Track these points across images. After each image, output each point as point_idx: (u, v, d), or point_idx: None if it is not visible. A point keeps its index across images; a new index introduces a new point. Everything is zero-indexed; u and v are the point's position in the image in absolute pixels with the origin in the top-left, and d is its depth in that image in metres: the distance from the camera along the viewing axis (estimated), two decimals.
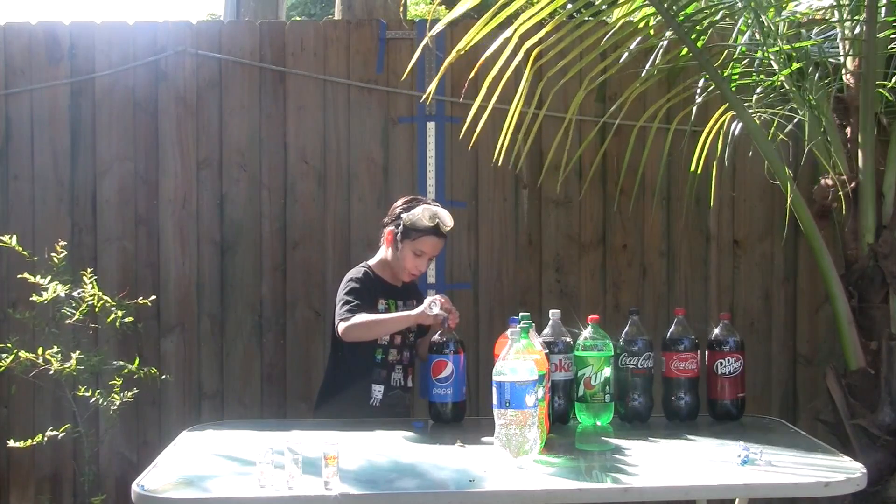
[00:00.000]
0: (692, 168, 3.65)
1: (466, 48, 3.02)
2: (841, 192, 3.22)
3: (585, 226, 4.19)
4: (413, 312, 2.98)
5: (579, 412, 2.64)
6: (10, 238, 3.67)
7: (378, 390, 3.16)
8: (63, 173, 4.13)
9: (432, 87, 3.28)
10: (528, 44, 3.08)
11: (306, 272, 4.16)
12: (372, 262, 3.31)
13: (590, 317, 2.68)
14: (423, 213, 3.18)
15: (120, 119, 4.15)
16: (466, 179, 4.18)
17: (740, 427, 2.80)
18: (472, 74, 3.20)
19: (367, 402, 3.16)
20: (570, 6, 3.26)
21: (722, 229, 4.19)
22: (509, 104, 3.22)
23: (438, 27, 3.30)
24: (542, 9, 3.04)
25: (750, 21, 3.23)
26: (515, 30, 3.01)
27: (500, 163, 3.38)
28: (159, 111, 4.16)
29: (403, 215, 3.21)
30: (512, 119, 3.22)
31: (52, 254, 3.67)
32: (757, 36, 3.32)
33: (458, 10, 3.05)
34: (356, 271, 3.27)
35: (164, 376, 3.84)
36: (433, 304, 2.90)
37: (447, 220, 3.20)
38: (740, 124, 3.44)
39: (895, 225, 3.22)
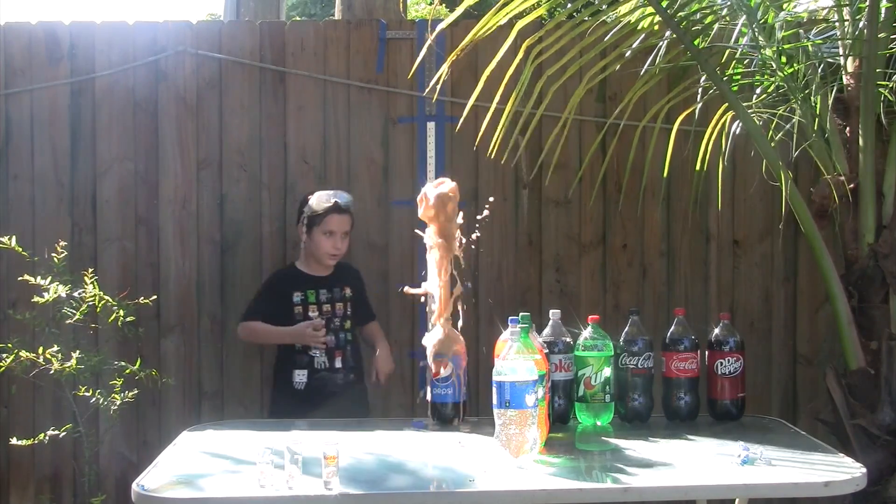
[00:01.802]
0: (696, 168, 3.66)
1: (466, 46, 3.03)
2: (836, 193, 3.22)
3: (585, 226, 4.19)
4: (289, 331, 3.50)
5: (579, 412, 2.64)
6: (10, 239, 3.66)
7: (301, 374, 3.51)
8: (63, 173, 4.13)
9: (435, 83, 3.28)
10: (528, 42, 3.08)
11: None
12: (298, 258, 3.72)
13: (590, 317, 2.68)
14: (318, 198, 3.59)
15: (120, 119, 4.15)
16: (466, 179, 4.17)
17: (740, 427, 2.80)
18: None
19: (293, 387, 3.52)
20: (569, 5, 3.27)
21: (722, 229, 4.19)
22: (509, 102, 3.23)
23: (440, 28, 3.31)
24: (541, 4, 3.05)
25: (747, 22, 3.23)
26: (514, 25, 3.02)
27: (492, 155, 3.41)
28: (159, 111, 4.15)
29: (304, 209, 3.61)
30: (509, 115, 3.23)
31: (53, 254, 3.67)
32: (759, 37, 3.31)
33: (458, 11, 3.06)
34: (272, 274, 3.78)
35: (164, 379, 3.84)
36: (309, 331, 3.43)
37: (343, 197, 3.62)
38: (740, 124, 3.44)
39: (895, 225, 3.22)
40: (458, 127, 3.48)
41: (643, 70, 3.53)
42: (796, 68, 3.32)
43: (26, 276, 3.62)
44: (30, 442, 3.63)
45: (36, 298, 3.59)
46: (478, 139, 3.46)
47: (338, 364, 3.56)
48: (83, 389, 3.59)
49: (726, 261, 4.20)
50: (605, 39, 3.33)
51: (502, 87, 3.16)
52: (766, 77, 3.44)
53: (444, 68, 3.20)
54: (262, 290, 3.74)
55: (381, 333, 3.82)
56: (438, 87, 3.37)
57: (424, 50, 3.43)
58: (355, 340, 3.71)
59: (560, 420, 2.73)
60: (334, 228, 3.59)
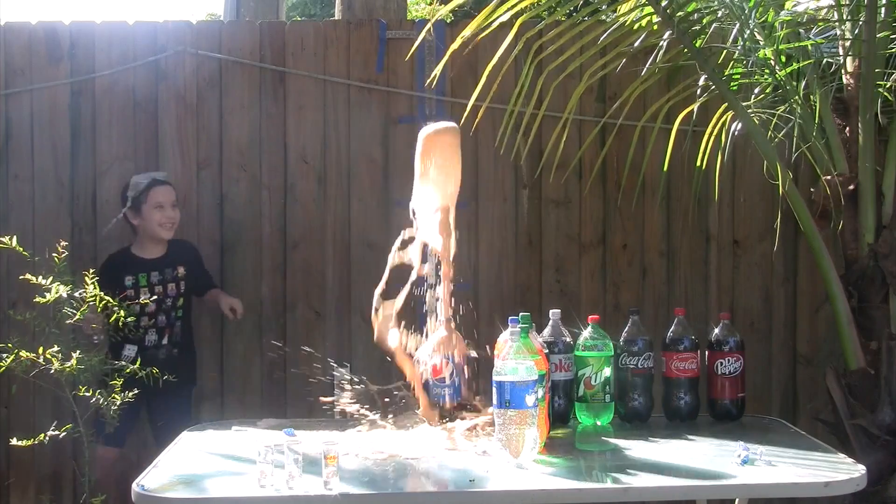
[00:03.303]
0: (697, 166, 3.66)
1: (467, 40, 3.05)
2: (836, 193, 3.22)
3: (585, 226, 4.19)
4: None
5: (579, 412, 2.64)
6: (11, 239, 3.66)
7: (130, 349, 3.74)
8: (63, 173, 4.13)
9: (434, 77, 3.31)
10: (527, 35, 3.10)
11: (306, 272, 4.16)
12: (134, 243, 3.88)
13: (590, 317, 2.68)
14: (135, 180, 3.83)
15: (120, 119, 4.15)
16: (466, 180, 4.13)
17: (740, 427, 2.80)
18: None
19: (121, 360, 3.61)
20: (570, 1, 3.28)
21: (722, 229, 4.19)
22: (509, 102, 3.25)
23: (435, 18, 3.34)
24: (541, 3, 3.07)
25: (745, 23, 3.23)
26: (512, 15, 3.04)
27: (501, 151, 3.41)
28: (159, 111, 4.16)
29: (127, 194, 3.81)
30: (512, 113, 3.24)
31: (54, 254, 3.67)
32: (757, 36, 3.32)
33: (453, 5, 3.09)
34: (106, 258, 3.89)
35: (165, 377, 3.83)
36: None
37: (158, 173, 3.90)
38: (740, 124, 3.44)
39: (895, 225, 3.22)
40: (461, 121, 3.49)
41: (644, 70, 3.54)
42: (795, 68, 3.32)
43: (28, 276, 3.61)
44: (30, 442, 3.63)
45: (38, 299, 3.59)
46: (472, 129, 3.48)
47: (164, 341, 3.81)
48: (83, 389, 3.59)
49: (726, 261, 4.20)
50: (605, 39, 3.34)
51: (497, 83, 3.17)
52: (765, 77, 3.44)
53: (445, 58, 3.22)
54: (95, 274, 3.78)
55: (220, 292, 4.00)
56: (436, 76, 3.38)
57: (420, 39, 3.44)
58: (185, 318, 3.91)
59: (560, 420, 2.73)
60: (161, 199, 3.79)
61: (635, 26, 3.40)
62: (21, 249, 3.67)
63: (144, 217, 3.79)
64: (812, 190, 3.45)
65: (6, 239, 3.66)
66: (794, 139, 3.22)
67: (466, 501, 2.19)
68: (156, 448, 3.18)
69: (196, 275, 3.93)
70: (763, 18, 3.31)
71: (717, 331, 2.91)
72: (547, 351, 2.64)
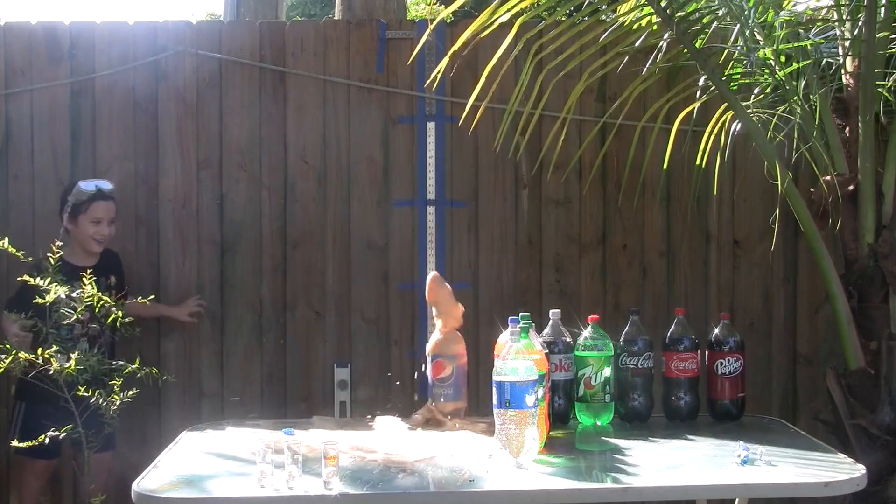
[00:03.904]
0: (697, 164, 3.66)
1: (467, 41, 3.05)
2: (836, 193, 3.22)
3: (585, 226, 4.19)
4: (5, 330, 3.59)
5: (579, 412, 2.64)
6: (3, 241, 3.65)
7: (63, 359, 3.49)
8: (63, 173, 4.12)
9: (435, 77, 3.31)
10: (527, 35, 3.11)
11: (306, 272, 4.15)
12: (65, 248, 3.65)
13: (590, 317, 2.68)
14: (80, 187, 3.74)
15: (120, 119, 4.15)
16: (466, 179, 4.18)
17: (740, 427, 2.80)
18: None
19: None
20: (569, 1, 3.28)
21: (722, 229, 4.19)
22: (509, 101, 3.25)
23: (437, 20, 3.35)
24: (541, 3, 3.08)
25: (745, 23, 3.23)
26: (513, 16, 3.05)
27: (497, 149, 3.41)
28: (159, 111, 4.15)
29: (68, 198, 3.73)
30: (509, 114, 3.25)
31: (49, 254, 3.66)
32: (757, 36, 3.32)
33: (455, 5, 3.11)
34: (34, 264, 3.56)
35: (165, 377, 3.83)
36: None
37: (104, 184, 3.80)
38: (740, 124, 3.44)
39: (895, 225, 3.22)
40: (461, 120, 3.50)
41: (644, 70, 3.54)
42: (795, 68, 3.32)
43: (26, 276, 3.61)
44: (29, 444, 3.62)
45: (37, 299, 3.58)
46: (471, 128, 3.48)
47: (95, 350, 3.64)
48: (82, 390, 3.59)
49: (726, 261, 4.19)
50: (604, 38, 3.34)
51: (496, 83, 3.18)
52: (765, 77, 3.44)
53: (445, 60, 3.21)
54: (16, 296, 3.69)
55: (159, 304, 3.94)
56: (438, 77, 3.37)
57: (422, 42, 3.46)
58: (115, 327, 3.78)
59: (560, 420, 2.74)
60: (101, 215, 3.75)
61: (635, 26, 3.41)
62: (14, 250, 3.66)
63: (79, 227, 3.75)
64: (812, 190, 3.46)
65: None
66: (794, 139, 3.22)
67: (466, 501, 2.19)
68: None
69: (122, 285, 3.86)
70: (763, 18, 3.31)
71: (717, 331, 2.91)
72: (547, 351, 2.64)
